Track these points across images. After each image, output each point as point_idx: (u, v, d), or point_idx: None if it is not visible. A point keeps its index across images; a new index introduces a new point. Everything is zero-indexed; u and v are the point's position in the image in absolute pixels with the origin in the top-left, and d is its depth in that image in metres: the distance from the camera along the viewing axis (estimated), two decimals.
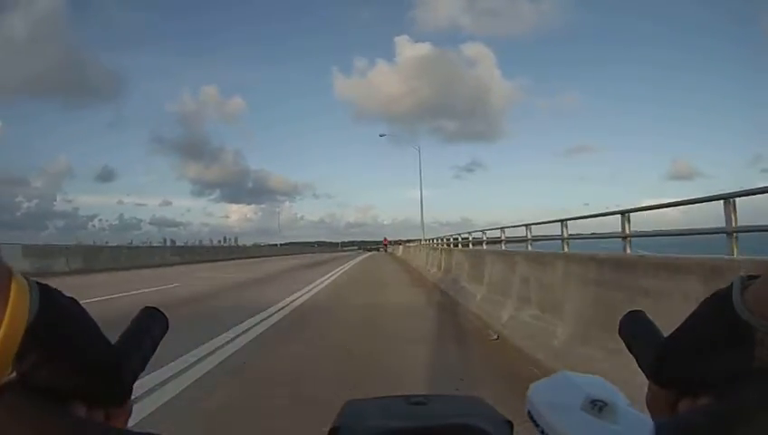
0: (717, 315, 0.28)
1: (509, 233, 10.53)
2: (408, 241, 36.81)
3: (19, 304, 0.23)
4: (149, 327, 0.33)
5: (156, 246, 29.61)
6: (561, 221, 7.23)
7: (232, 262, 25.12)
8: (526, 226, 9.10)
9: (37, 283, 0.25)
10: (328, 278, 12.53)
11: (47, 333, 0.24)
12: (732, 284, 0.28)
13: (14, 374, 0.24)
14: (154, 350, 0.33)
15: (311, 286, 9.92)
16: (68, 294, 0.27)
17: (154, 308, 0.34)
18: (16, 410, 0.24)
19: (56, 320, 0.25)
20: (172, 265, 21.17)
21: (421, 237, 25.80)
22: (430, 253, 14.49)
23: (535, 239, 8.89)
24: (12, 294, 0.23)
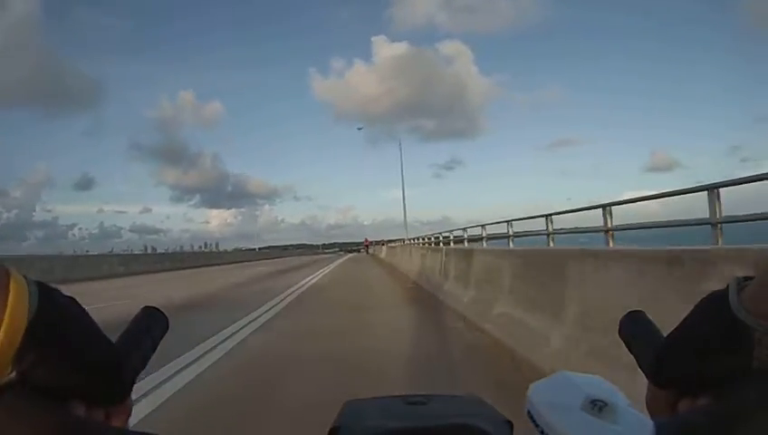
0: (714, 316, 0.29)
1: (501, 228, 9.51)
2: (391, 241, 34.41)
3: (19, 304, 0.23)
4: (149, 327, 0.33)
5: (101, 255, 25.06)
6: (604, 207, 5.68)
7: (194, 271, 21.08)
8: (546, 216, 7.59)
9: (36, 282, 0.25)
10: (301, 286, 10.28)
11: (47, 333, 0.24)
12: (728, 285, 0.29)
13: (14, 374, 0.24)
14: (154, 349, 0.32)
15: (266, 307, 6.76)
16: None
17: (154, 308, 0.34)
18: (16, 409, 0.23)
19: (55, 319, 0.25)
20: (121, 275, 18.15)
21: (404, 237, 24.90)
22: (428, 255, 9.60)
23: (557, 232, 7.56)
24: (11, 293, 0.22)
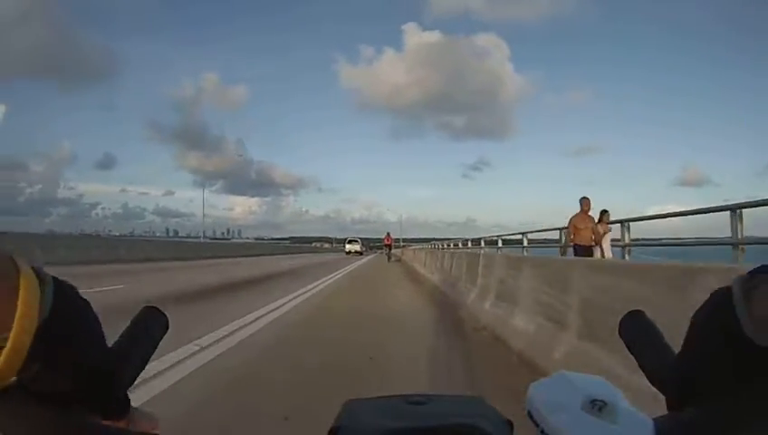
0: (719, 322, 0.28)
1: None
2: (487, 240, 14.25)
3: (29, 307, 0.21)
4: (149, 327, 0.33)
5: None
6: (738, 207, 4.18)
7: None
8: (622, 222, 6.31)
9: (53, 278, 0.24)
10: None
11: (57, 338, 0.23)
12: (732, 285, 0.28)
13: (15, 377, 0.23)
14: (154, 349, 0.33)
15: None
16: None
17: (154, 308, 0.34)
18: (16, 413, 0.23)
19: (68, 324, 0.24)
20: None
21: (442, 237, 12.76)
22: None
23: (636, 244, 6.12)
24: (21, 293, 0.21)
